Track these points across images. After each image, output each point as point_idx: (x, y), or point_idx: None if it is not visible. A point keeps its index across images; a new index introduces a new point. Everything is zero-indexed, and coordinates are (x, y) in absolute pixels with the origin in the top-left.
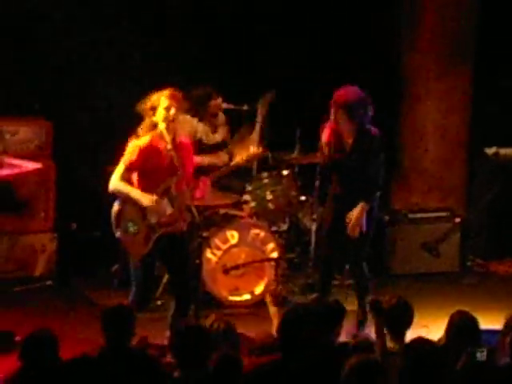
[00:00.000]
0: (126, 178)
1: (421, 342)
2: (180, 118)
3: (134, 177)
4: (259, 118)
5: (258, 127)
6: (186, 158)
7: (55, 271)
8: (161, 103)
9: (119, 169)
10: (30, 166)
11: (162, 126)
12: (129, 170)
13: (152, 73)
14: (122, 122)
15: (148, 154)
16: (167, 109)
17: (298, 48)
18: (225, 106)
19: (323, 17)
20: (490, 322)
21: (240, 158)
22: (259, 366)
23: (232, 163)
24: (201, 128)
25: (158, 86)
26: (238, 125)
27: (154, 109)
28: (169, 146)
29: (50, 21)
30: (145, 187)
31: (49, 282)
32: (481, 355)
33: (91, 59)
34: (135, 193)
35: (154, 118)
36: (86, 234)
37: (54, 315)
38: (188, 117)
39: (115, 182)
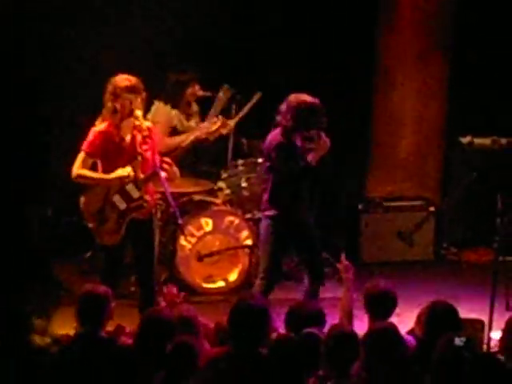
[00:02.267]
0: (88, 166)
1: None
2: (156, 105)
3: (99, 164)
4: (240, 113)
5: (235, 118)
6: (152, 143)
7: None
8: (123, 93)
9: (80, 156)
10: None
11: (139, 113)
12: (90, 156)
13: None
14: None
15: (108, 139)
16: (131, 99)
17: (273, 31)
18: (201, 93)
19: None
20: (462, 312)
21: (200, 130)
22: (213, 356)
23: (191, 137)
24: (174, 114)
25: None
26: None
27: (115, 94)
28: (145, 133)
29: None
30: (109, 173)
31: None
32: (459, 341)
33: (65, 40)
34: (99, 175)
35: (116, 104)
36: (61, 220)
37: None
38: (161, 104)
39: (77, 169)
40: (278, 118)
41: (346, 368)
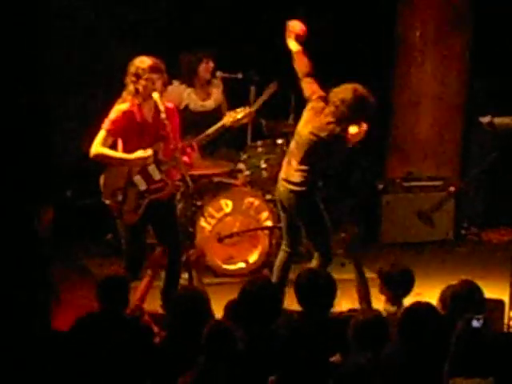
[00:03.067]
0: (108, 145)
1: (420, 304)
2: (172, 85)
3: (119, 144)
4: (258, 101)
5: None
6: (172, 124)
7: (51, 238)
8: (145, 73)
9: (101, 134)
10: None
11: (156, 96)
12: (111, 135)
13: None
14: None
15: (131, 119)
16: (154, 79)
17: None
18: (219, 74)
19: None
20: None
21: (227, 118)
22: None
23: (218, 124)
24: (186, 95)
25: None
26: (231, 94)
27: (137, 75)
28: (163, 115)
29: None
30: (129, 153)
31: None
32: (477, 322)
33: (80, 23)
34: (118, 154)
35: (138, 85)
36: (81, 202)
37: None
38: (177, 83)
39: (97, 148)
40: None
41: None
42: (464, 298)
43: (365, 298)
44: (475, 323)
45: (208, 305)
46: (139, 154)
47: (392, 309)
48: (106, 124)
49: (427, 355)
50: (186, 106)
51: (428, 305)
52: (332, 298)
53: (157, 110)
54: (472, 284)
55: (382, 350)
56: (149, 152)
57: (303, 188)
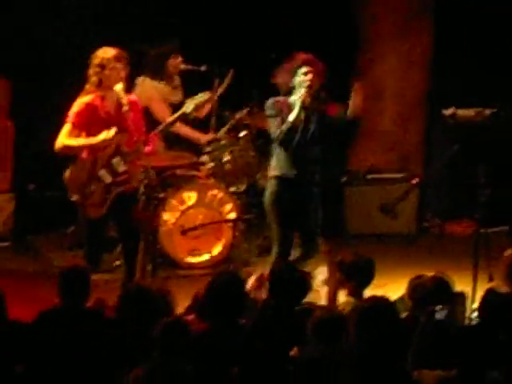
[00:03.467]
0: (72, 138)
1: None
2: (141, 80)
3: (82, 137)
4: (217, 93)
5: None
6: (135, 116)
7: (12, 232)
8: (110, 63)
9: (65, 128)
10: None
11: (119, 87)
12: (75, 128)
13: (115, 29)
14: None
15: (94, 111)
16: (119, 69)
17: (257, 7)
18: (183, 66)
19: None
20: None
21: (186, 105)
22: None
23: (178, 112)
24: (165, 89)
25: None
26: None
27: (101, 66)
28: (125, 108)
29: None
30: (94, 146)
31: (6, 243)
32: (440, 314)
33: (54, 17)
34: (84, 140)
35: (102, 75)
36: (43, 195)
37: (10, 276)
38: (148, 79)
39: (62, 140)
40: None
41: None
42: (433, 293)
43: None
44: (438, 315)
45: (162, 302)
46: (103, 135)
47: (353, 300)
48: (70, 117)
49: (384, 349)
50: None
51: (383, 300)
52: (303, 293)
53: (119, 103)
54: (443, 279)
55: (340, 344)
56: (112, 132)
57: None
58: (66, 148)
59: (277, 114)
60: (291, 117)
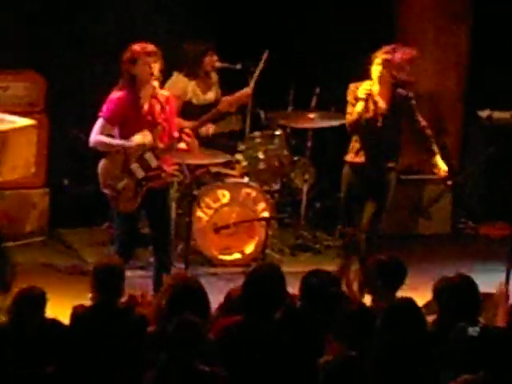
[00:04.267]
0: (106, 132)
1: (404, 300)
2: (175, 75)
3: (116, 131)
4: (253, 78)
5: (251, 83)
6: (169, 112)
7: (47, 227)
8: (141, 57)
9: (99, 122)
10: (24, 121)
11: (155, 84)
12: (108, 123)
13: (152, 28)
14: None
15: (128, 106)
16: (150, 64)
17: (292, 7)
18: (218, 64)
19: None
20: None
21: (222, 104)
22: (222, 328)
23: (213, 110)
24: (191, 88)
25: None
26: (229, 85)
27: (133, 61)
28: (160, 104)
29: None
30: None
31: (40, 238)
32: (473, 330)
33: (90, 12)
34: (119, 141)
35: (134, 71)
36: (78, 190)
37: (45, 271)
38: (180, 76)
39: (96, 136)
40: None
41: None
42: (457, 293)
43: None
44: (471, 331)
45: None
46: (139, 139)
47: (382, 303)
48: (103, 112)
49: (406, 351)
50: (189, 100)
51: (408, 301)
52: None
53: (154, 97)
54: (466, 279)
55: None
56: (148, 138)
57: None
58: (101, 144)
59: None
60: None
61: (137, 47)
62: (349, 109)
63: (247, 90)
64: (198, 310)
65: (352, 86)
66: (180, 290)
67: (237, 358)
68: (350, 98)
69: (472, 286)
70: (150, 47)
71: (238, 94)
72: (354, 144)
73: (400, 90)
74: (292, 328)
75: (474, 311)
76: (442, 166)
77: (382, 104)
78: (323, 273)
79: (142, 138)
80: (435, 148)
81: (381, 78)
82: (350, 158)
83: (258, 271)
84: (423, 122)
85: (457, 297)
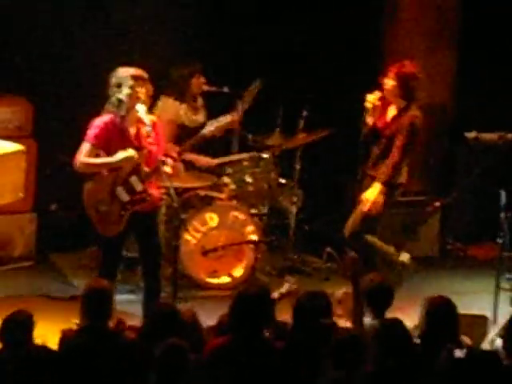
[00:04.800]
0: (92, 156)
1: (394, 322)
2: (163, 100)
3: (102, 156)
4: (243, 104)
5: (239, 108)
6: (155, 136)
7: (35, 252)
8: (127, 82)
9: (84, 146)
10: (13, 147)
11: (141, 108)
12: (94, 146)
13: (140, 49)
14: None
15: (113, 130)
16: (136, 88)
17: (281, 31)
18: (206, 87)
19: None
20: (466, 307)
21: (208, 128)
22: (211, 348)
23: (199, 135)
24: (183, 111)
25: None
26: (216, 108)
27: (119, 85)
28: (148, 128)
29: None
30: (114, 165)
31: (28, 263)
32: (460, 352)
33: (74, 37)
34: (107, 158)
35: (120, 95)
36: (65, 215)
37: (33, 295)
38: (170, 100)
39: (82, 158)
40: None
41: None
42: (436, 315)
43: (357, 314)
44: (458, 353)
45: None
46: (122, 154)
47: (375, 323)
48: (89, 136)
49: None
50: (183, 123)
51: (395, 322)
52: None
53: (140, 121)
54: (443, 300)
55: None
56: (131, 151)
57: None
58: (87, 165)
59: None
60: None
61: (123, 71)
62: None
63: (233, 117)
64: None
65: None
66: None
67: (225, 377)
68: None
69: (449, 307)
70: (137, 72)
71: (223, 120)
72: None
73: None
74: (283, 350)
75: (452, 332)
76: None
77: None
78: (316, 298)
79: (126, 153)
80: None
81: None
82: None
83: (246, 292)
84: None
85: (435, 318)
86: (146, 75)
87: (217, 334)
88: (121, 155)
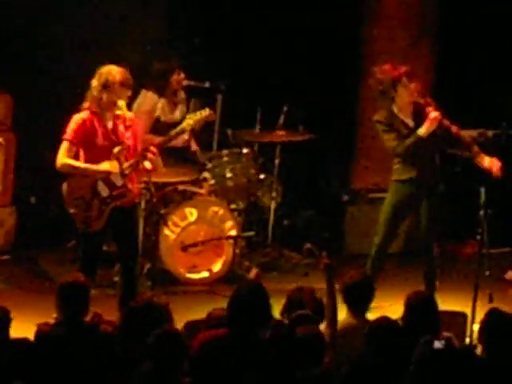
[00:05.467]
0: (71, 154)
1: (385, 321)
2: (142, 93)
3: (81, 153)
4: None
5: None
6: (133, 131)
7: (13, 245)
8: (115, 86)
9: (64, 145)
10: None
11: (121, 103)
12: (73, 145)
13: (116, 46)
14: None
15: (92, 127)
16: (121, 93)
17: (260, 27)
18: (185, 82)
19: None
20: (445, 304)
21: (186, 121)
22: (205, 340)
23: (177, 128)
24: (160, 105)
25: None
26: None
27: (104, 86)
28: (127, 123)
29: None
30: (92, 161)
31: (6, 256)
32: (439, 343)
33: (54, 30)
34: (88, 165)
35: (103, 94)
36: (44, 209)
37: (11, 290)
38: (149, 93)
39: (62, 158)
40: None
41: None
42: (417, 309)
43: (331, 311)
44: (437, 344)
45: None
46: (105, 166)
47: (354, 322)
48: (68, 134)
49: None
50: (157, 117)
51: (391, 321)
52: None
53: (117, 117)
54: (423, 294)
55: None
56: (115, 165)
57: None
58: (68, 168)
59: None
60: (422, 131)
61: (112, 75)
62: None
63: (211, 113)
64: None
65: None
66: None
67: (220, 369)
68: None
69: (429, 301)
70: (126, 76)
71: (201, 114)
72: None
73: None
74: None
75: (434, 327)
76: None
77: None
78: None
79: (109, 166)
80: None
81: None
82: None
83: (243, 289)
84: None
85: (415, 312)
86: (131, 80)
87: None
88: (102, 167)
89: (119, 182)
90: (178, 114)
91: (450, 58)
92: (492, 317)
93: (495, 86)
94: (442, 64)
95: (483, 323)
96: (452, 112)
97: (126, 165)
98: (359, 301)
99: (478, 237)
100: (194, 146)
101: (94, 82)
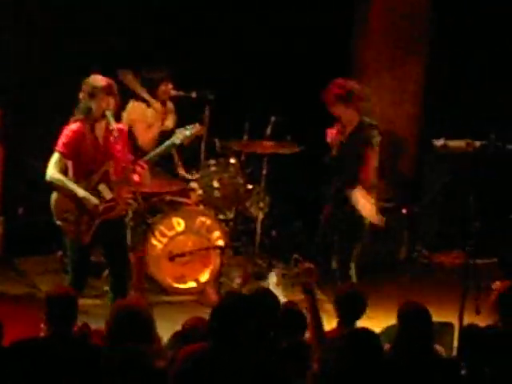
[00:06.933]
0: (62, 167)
1: (363, 331)
2: (131, 103)
3: (70, 164)
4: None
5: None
6: (122, 143)
7: (1, 255)
8: (100, 93)
9: (55, 157)
10: None
11: (108, 114)
12: (64, 156)
13: (106, 56)
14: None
15: (82, 139)
16: (108, 100)
17: (249, 38)
18: (173, 92)
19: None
20: (432, 315)
21: (176, 136)
22: (188, 352)
23: (167, 142)
24: (150, 114)
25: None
26: (184, 113)
27: (91, 95)
28: (115, 135)
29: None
30: (81, 173)
31: None
32: None
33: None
34: (75, 187)
35: (91, 104)
36: (32, 218)
37: None
38: (137, 102)
39: (52, 173)
40: None
41: None
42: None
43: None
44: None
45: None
46: (90, 197)
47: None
48: (59, 146)
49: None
50: (151, 124)
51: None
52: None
53: (107, 130)
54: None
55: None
56: (96, 201)
57: None
58: (56, 181)
59: None
60: None
61: (96, 82)
62: None
63: (201, 128)
64: (141, 335)
65: None
66: (122, 317)
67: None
68: None
69: (423, 315)
70: (109, 84)
71: (191, 130)
72: None
73: None
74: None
75: (427, 339)
76: None
77: None
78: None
79: (93, 198)
80: None
81: None
82: None
83: (228, 300)
84: None
85: (408, 325)
86: (116, 87)
87: (184, 341)
88: (88, 196)
89: (108, 195)
90: (169, 123)
91: (449, 58)
92: (468, 332)
93: (495, 86)
94: (442, 65)
95: (460, 340)
96: (440, 121)
97: (114, 179)
98: (351, 312)
99: (468, 248)
100: (181, 172)
101: (81, 94)
